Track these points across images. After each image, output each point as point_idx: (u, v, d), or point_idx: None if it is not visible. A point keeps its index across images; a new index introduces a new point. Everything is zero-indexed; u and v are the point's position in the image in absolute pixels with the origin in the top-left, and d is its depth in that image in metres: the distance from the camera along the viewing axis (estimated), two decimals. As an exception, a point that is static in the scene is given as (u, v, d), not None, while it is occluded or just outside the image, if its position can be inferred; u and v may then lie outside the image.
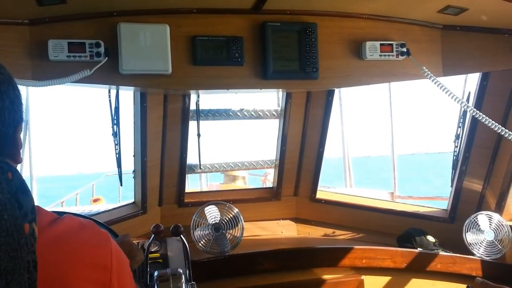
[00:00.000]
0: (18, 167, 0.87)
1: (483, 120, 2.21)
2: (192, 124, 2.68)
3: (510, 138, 2.17)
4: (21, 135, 0.87)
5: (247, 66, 2.31)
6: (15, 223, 0.63)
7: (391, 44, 2.42)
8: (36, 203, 0.74)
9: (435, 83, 2.31)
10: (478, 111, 2.26)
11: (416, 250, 2.44)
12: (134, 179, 2.69)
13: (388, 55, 2.42)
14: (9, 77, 0.84)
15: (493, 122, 2.20)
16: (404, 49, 2.42)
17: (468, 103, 2.65)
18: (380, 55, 2.41)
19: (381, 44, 2.41)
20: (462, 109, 2.69)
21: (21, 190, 0.66)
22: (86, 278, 0.80)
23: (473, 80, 2.67)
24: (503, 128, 2.18)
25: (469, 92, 2.66)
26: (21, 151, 0.87)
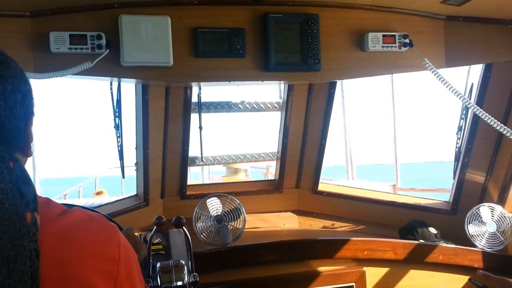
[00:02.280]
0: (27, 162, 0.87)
1: (483, 117, 2.21)
2: (194, 117, 2.67)
3: (511, 136, 2.17)
4: (32, 129, 0.88)
5: (249, 58, 2.30)
6: (16, 212, 0.63)
7: (394, 35, 2.41)
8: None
9: (436, 75, 2.30)
10: (479, 108, 2.26)
11: (417, 242, 2.45)
12: (136, 172, 2.69)
13: (391, 47, 2.40)
14: (21, 71, 0.86)
15: (494, 119, 2.19)
16: (407, 40, 2.41)
17: (470, 99, 2.64)
18: (383, 47, 2.39)
19: (383, 35, 2.40)
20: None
21: (23, 179, 0.66)
22: (93, 269, 0.80)
23: (476, 71, 2.66)
24: (505, 127, 2.18)
25: (472, 84, 2.65)
26: (32, 144, 0.88)
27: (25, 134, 0.85)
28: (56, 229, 0.78)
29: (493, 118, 2.20)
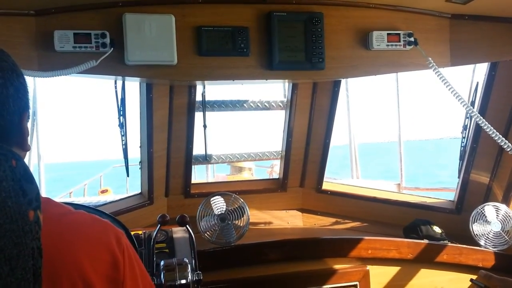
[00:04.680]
0: (27, 155, 0.87)
1: (484, 126, 2.21)
2: (198, 115, 2.68)
3: (509, 150, 2.17)
4: (28, 124, 0.88)
5: (252, 56, 2.30)
6: (19, 210, 0.64)
7: (399, 34, 2.40)
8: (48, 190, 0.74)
9: (439, 76, 2.29)
10: (480, 116, 2.26)
11: (422, 241, 2.44)
12: (141, 170, 2.70)
13: (395, 45, 2.39)
14: (13, 65, 0.84)
15: (494, 130, 2.20)
16: (412, 39, 2.39)
17: (475, 98, 2.63)
18: (387, 45, 2.38)
19: (388, 34, 2.38)
20: (471, 99, 2.66)
21: (25, 177, 0.66)
22: (92, 271, 0.80)
23: (481, 70, 2.65)
24: (506, 141, 2.18)
25: (477, 83, 2.64)
26: (28, 138, 0.88)
27: (21, 129, 0.85)
28: (54, 229, 0.78)
29: (493, 129, 2.19)
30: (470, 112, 2.34)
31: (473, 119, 2.68)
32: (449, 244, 2.44)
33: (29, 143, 0.89)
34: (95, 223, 0.87)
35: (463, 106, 2.31)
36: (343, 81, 2.72)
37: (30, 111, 0.89)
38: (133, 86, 2.52)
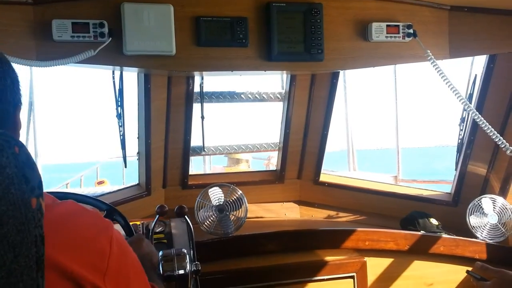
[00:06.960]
0: None
1: (480, 122, 2.23)
2: (196, 107, 2.67)
3: (503, 147, 2.18)
4: (20, 118, 0.90)
5: (251, 47, 2.29)
6: (22, 197, 0.63)
7: (398, 25, 2.39)
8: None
9: (436, 69, 2.30)
10: (478, 113, 2.27)
11: (419, 233, 2.45)
12: (138, 161, 2.70)
13: (395, 37, 2.39)
14: (7, 60, 0.87)
15: (492, 129, 2.22)
16: (411, 31, 2.39)
17: (473, 90, 2.63)
18: (386, 37, 2.38)
19: (387, 25, 2.38)
20: (469, 92, 2.66)
21: (28, 165, 0.66)
22: (77, 259, 0.80)
23: (480, 62, 2.65)
24: (500, 137, 2.21)
25: (475, 75, 2.64)
26: (20, 133, 0.89)
27: (14, 120, 0.86)
28: (47, 219, 0.77)
29: (489, 125, 2.22)
30: (466, 107, 2.35)
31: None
32: (446, 236, 2.46)
33: (20, 138, 0.89)
34: (83, 214, 0.87)
35: (460, 101, 2.31)
36: (341, 73, 2.72)
37: (23, 106, 0.91)
38: (131, 77, 2.51)
